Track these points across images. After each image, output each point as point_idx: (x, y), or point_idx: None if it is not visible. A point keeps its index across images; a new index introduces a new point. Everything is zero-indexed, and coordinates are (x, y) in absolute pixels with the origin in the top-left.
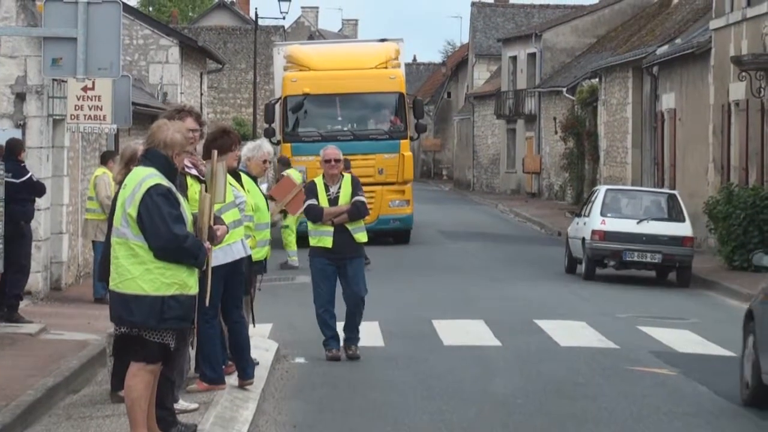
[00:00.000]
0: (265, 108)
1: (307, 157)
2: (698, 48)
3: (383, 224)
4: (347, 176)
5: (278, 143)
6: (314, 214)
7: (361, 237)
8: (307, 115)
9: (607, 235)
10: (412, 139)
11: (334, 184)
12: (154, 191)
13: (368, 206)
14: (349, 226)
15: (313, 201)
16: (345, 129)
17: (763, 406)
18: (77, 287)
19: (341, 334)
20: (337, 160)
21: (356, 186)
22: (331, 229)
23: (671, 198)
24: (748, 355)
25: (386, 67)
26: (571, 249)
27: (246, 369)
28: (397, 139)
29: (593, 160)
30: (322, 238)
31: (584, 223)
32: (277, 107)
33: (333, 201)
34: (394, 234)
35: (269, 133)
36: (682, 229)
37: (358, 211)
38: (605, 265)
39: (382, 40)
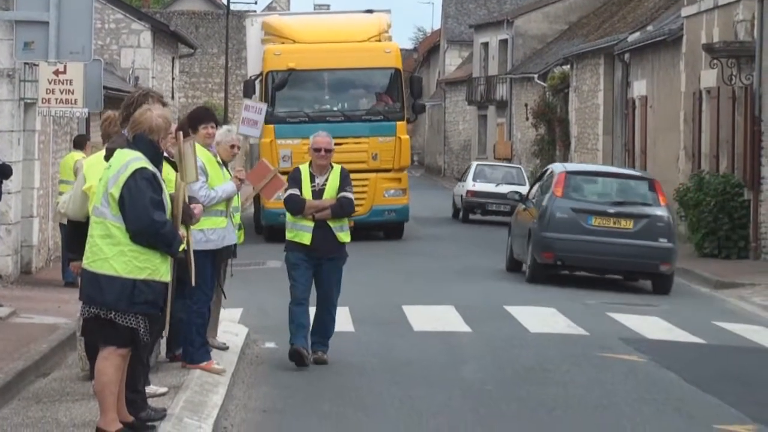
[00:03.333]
0: (243, 85)
1: (293, 140)
2: (670, 35)
3: (377, 216)
4: (336, 167)
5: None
6: (295, 206)
7: (344, 237)
8: (292, 92)
9: (475, 194)
10: (409, 120)
11: (321, 175)
12: (139, 174)
13: (361, 196)
14: (332, 224)
15: (295, 191)
16: (335, 109)
17: (514, 269)
18: (47, 271)
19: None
20: (328, 150)
21: (345, 180)
22: (311, 224)
23: (518, 170)
24: (509, 244)
25: (379, 40)
26: (455, 202)
27: (187, 351)
28: (393, 120)
29: (564, 146)
30: (300, 233)
31: (462, 186)
32: (258, 84)
33: (317, 193)
34: (386, 227)
35: None
36: (523, 189)
37: (342, 209)
38: (475, 213)
39: (369, 11)
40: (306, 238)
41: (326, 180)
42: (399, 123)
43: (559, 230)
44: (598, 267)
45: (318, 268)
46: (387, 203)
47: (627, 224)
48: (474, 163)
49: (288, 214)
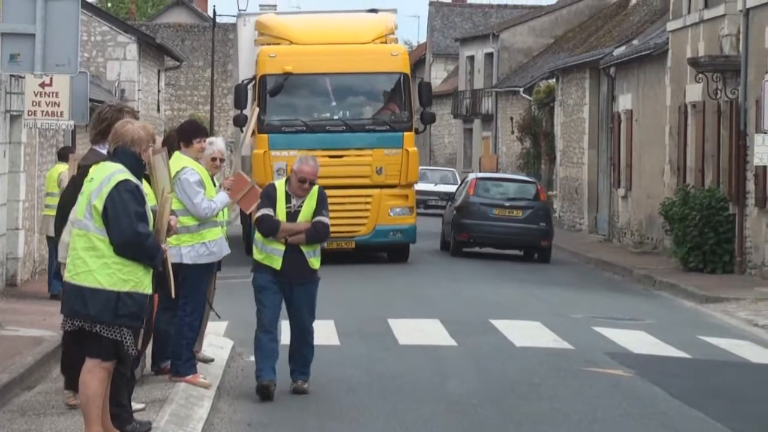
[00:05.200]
0: (234, 91)
1: (288, 152)
2: (655, 49)
3: (381, 237)
4: (314, 188)
5: (252, 134)
6: (268, 228)
7: (316, 262)
8: (289, 99)
9: (418, 192)
10: (417, 131)
11: (298, 196)
12: (122, 186)
13: (363, 214)
14: (304, 248)
15: (269, 211)
16: (335, 117)
17: (445, 248)
18: (33, 283)
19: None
20: (312, 183)
21: (322, 203)
22: (283, 248)
23: (452, 173)
24: (441, 230)
25: (385, 42)
26: None
27: (174, 364)
28: (400, 130)
29: (550, 160)
30: (271, 256)
31: None
32: (250, 90)
33: (292, 215)
34: (390, 249)
35: (240, 121)
36: (454, 188)
37: (317, 234)
38: (418, 207)
39: (373, 11)
40: (276, 263)
41: (302, 201)
42: (406, 133)
43: (471, 218)
44: (498, 243)
45: (288, 293)
46: (392, 223)
47: (518, 213)
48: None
49: (257, 234)
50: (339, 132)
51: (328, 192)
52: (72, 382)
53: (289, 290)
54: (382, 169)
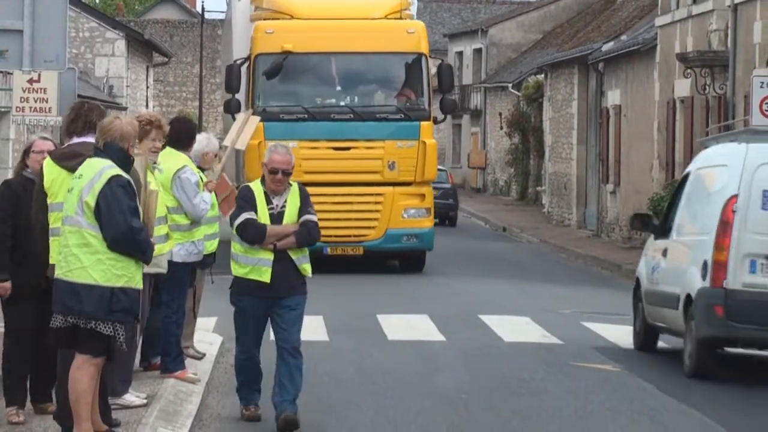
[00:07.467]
0: (226, 72)
1: (287, 143)
2: (644, 45)
3: (393, 242)
4: (294, 185)
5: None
6: (255, 234)
7: (308, 269)
8: (288, 82)
9: None
10: (436, 120)
11: (278, 195)
12: (115, 182)
13: (374, 215)
14: (293, 254)
15: (251, 215)
16: (342, 104)
17: None
18: None
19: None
20: (286, 173)
21: (305, 199)
22: (271, 256)
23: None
24: None
25: (400, 17)
26: None
27: (163, 360)
28: (416, 120)
29: (538, 155)
30: (258, 268)
31: None
32: (244, 71)
33: (276, 218)
34: (403, 256)
35: (233, 107)
36: None
37: (309, 235)
38: None
39: None
40: (265, 275)
41: (285, 201)
42: (423, 123)
43: None
44: None
45: (275, 307)
46: (406, 226)
47: (434, 192)
48: None
49: (236, 244)
50: (346, 121)
51: (333, 189)
52: (14, 398)
53: (277, 303)
54: (395, 163)
